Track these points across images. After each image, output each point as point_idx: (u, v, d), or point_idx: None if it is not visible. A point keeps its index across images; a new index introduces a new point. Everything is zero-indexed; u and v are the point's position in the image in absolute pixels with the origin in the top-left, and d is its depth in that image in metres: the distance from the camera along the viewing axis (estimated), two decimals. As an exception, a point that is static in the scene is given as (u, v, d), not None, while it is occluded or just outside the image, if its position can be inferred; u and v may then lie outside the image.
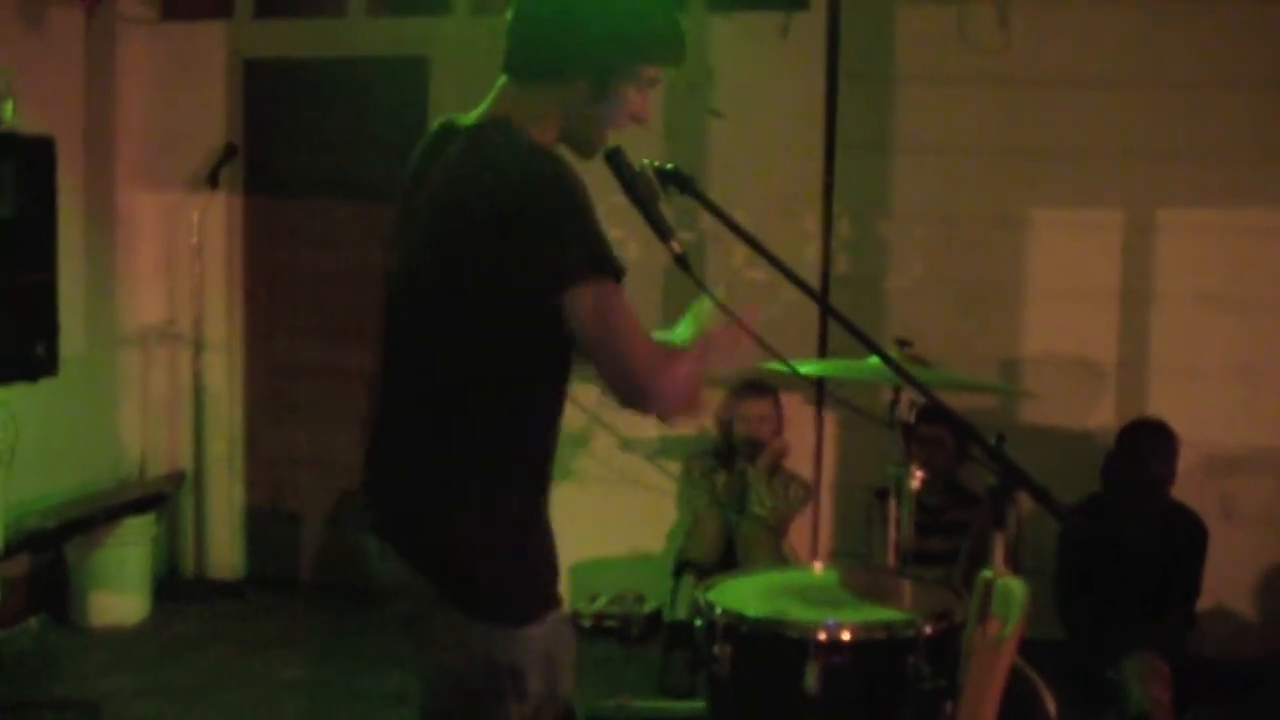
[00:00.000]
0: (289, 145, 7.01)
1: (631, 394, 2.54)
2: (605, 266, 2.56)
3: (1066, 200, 6.19)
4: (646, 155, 2.84)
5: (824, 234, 6.38)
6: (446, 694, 2.65)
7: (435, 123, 2.81)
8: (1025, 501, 2.87)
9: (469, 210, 2.56)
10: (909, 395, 3.79)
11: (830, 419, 6.40)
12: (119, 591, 6.45)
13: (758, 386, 6.17)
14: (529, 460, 2.68)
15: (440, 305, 2.61)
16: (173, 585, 6.97)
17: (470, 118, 2.73)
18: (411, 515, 2.66)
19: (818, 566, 3.85)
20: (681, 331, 2.83)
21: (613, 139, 2.78)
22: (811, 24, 6.30)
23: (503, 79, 2.74)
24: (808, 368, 4.03)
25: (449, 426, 2.61)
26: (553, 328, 2.54)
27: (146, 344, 7.09)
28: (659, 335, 2.79)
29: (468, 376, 2.59)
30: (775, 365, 3.14)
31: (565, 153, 2.73)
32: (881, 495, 5.46)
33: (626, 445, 6.57)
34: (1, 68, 5.61)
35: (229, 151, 6.93)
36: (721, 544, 5.95)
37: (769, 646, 3.14)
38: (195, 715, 5.45)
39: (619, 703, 4.71)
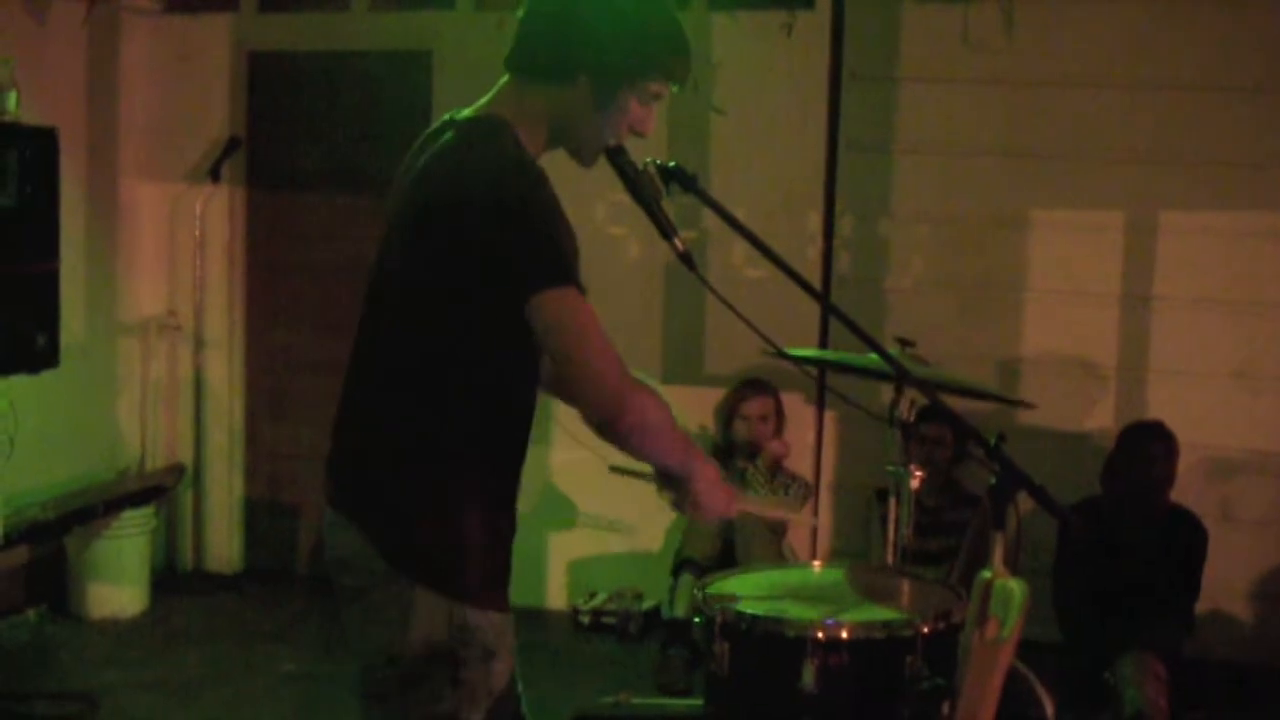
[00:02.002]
0: (292, 138, 7.02)
1: (602, 399, 2.55)
2: (563, 274, 2.53)
3: (1068, 201, 6.20)
4: (649, 153, 2.84)
5: (825, 233, 6.38)
6: (383, 674, 2.67)
7: (440, 118, 2.81)
8: (1025, 502, 2.87)
9: (433, 205, 2.59)
10: (909, 395, 3.79)
11: (830, 418, 6.41)
12: (118, 583, 6.46)
13: (758, 385, 6.17)
14: (489, 445, 2.67)
15: (402, 293, 2.63)
16: (171, 577, 6.99)
17: (465, 112, 2.73)
18: (367, 484, 2.68)
19: (817, 565, 3.84)
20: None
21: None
22: (816, 23, 6.30)
23: (505, 77, 2.74)
24: (808, 353, 4.04)
25: (409, 408, 2.64)
26: (508, 321, 2.54)
27: (147, 336, 7.09)
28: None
29: (426, 362, 2.62)
30: (782, 352, 3.14)
31: (551, 160, 2.73)
32: (881, 495, 5.47)
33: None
34: (5, 58, 5.61)
35: (231, 144, 6.94)
36: (720, 542, 5.95)
37: (767, 645, 3.13)
38: (193, 707, 5.45)
39: (616, 700, 4.70)
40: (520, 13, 2.73)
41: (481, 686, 2.65)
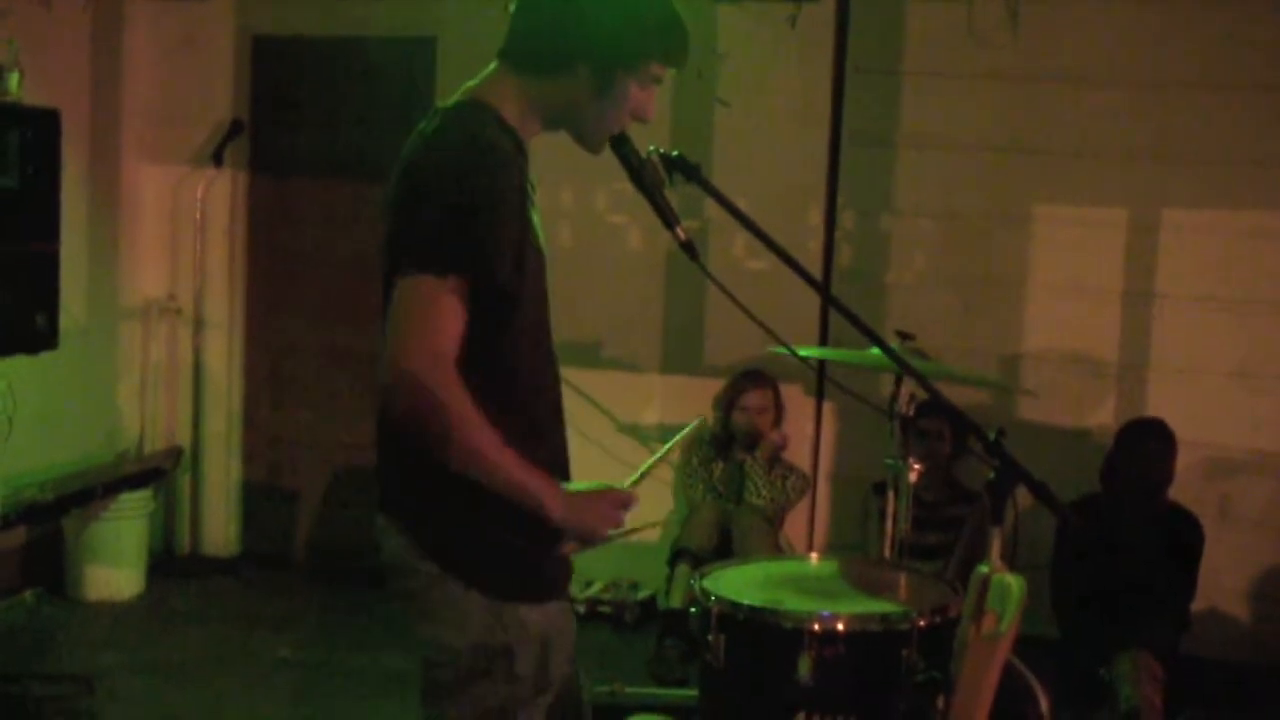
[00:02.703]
0: (295, 123, 7.01)
1: (384, 366, 2.45)
2: (451, 264, 2.46)
3: (1070, 198, 6.19)
4: (652, 143, 2.84)
5: (827, 226, 6.38)
6: (440, 671, 2.65)
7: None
8: (1023, 498, 2.87)
9: (399, 185, 2.57)
10: (908, 388, 3.79)
11: (829, 411, 6.40)
12: (115, 566, 6.46)
13: (757, 377, 6.17)
14: (509, 439, 2.54)
15: (387, 284, 2.58)
16: (168, 561, 6.99)
17: (456, 95, 2.71)
18: (406, 488, 2.66)
19: (814, 558, 3.85)
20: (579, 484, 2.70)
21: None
22: (821, 16, 6.29)
23: (494, 65, 2.72)
24: (811, 352, 4.04)
25: None
26: (484, 312, 2.51)
27: (147, 319, 7.09)
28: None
29: None
30: (780, 350, 3.14)
31: (555, 148, 2.69)
32: (879, 488, 5.47)
33: (626, 432, 6.57)
34: (8, 40, 5.61)
35: (234, 128, 6.93)
36: (717, 533, 5.95)
37: (763, 636, 3.14)
38: (188, 691, 5.45)
39: (612, 689, 4.71)
40: (512, 6, 2.71)
41: (541, 679, 2.64)
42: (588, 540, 2.63)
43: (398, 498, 2.68)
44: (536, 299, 2.67)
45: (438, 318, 2.45)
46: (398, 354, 2.45)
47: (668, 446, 2.97)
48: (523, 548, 2.60)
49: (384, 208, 2.63)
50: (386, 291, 2.57)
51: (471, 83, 2.71)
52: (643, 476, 2.85)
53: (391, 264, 2.52)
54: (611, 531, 2.65)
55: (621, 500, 2.68)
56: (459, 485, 2.51)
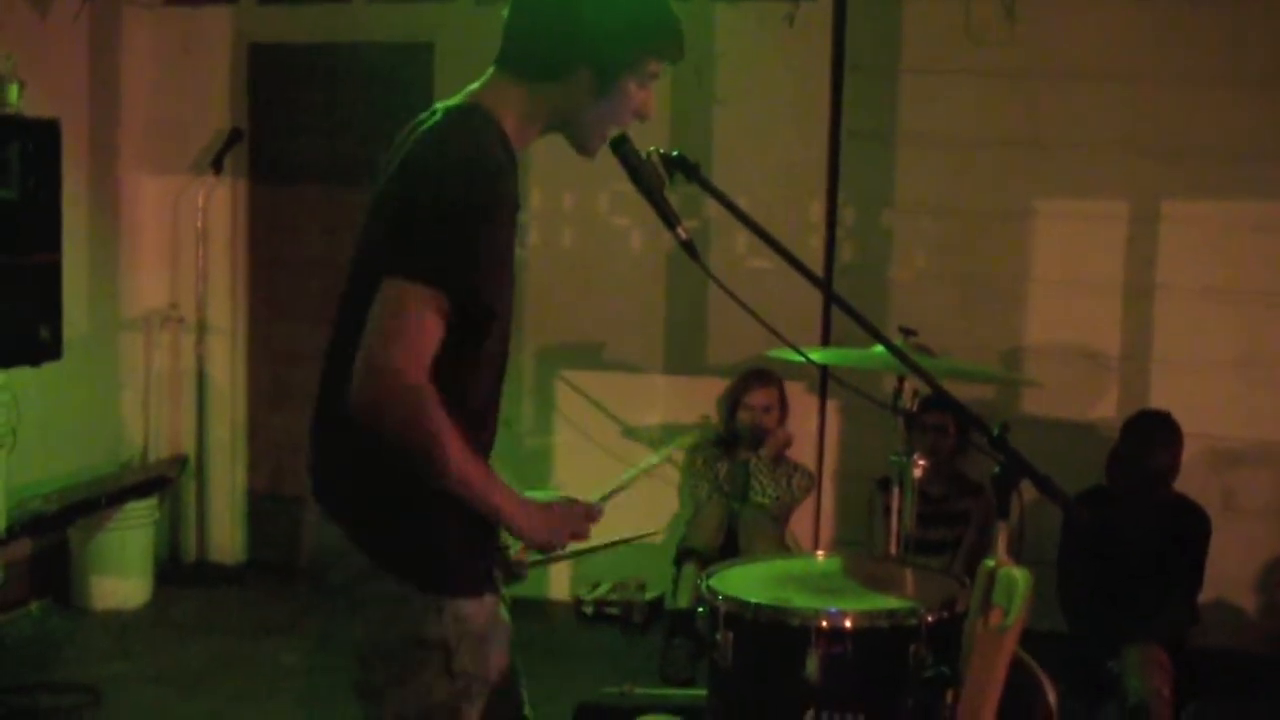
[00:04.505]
0: (294, 130, 7.02)
1: (365, 365, 2.42)
2: (440, 279, 2.45)
3: (1070, 192, 6.19)
4: (652, 143, 2.84)
5: (828, 224, 6.38)
6: (375, 666, 2.64)
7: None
8: (1028, 491, 2.87)
9: (391, 189, 2.57)
10: (912, 384, 3.79)
11: (833, 408, 6.41)
12: (120, 575, 6.46)
13: (762, 376, 6.17)
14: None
15: (360, 277, 2.58)
16: (174, 570, 6.99)
17: (454, 100, 2.70)
18: (344, 483, 2.65)
19: (820, 555, 3.85)
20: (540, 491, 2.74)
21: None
22: (818, 13, 6.30)
23: (491, 70, 2.71)
24: (814, 354, 4.03)
25: None
26: (460, 324, 2.50)
27: (150, 328, 7.10)
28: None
29: None
30: (783, 352, 3.14)
31: (554, 150, 2.69)
32: (884, 484, 5.47)
33: (629, 433, 6.58)
34: (7, 51, 5.61)
35: (234, 136, 6.93)
36: (723, 532, 5.95)
37: (771, 634, 3.14)
38: (195, 700, 5.46)
39: (620, 690, 4.71)
40: (506, 11, 2.70)
41: (477, 676, 2.63)
42: (546, 549, 2.69)
43: (330, 490, 2.68)
44: (503, 332, 2.66)
45: (422, 329, 2.45)
46: (382, 356, 2.43)
47: (640, 468, 3.00)
48: (458, 538, 2.60)
49: (376, 198, 2.63)
50: (360, 279, 2.56)
51: (474, 85, 2.71)
52: (613, 494, 2.88)
53: (381, 260, 2.50)
54: (583, 545, 2.71)
55: (586, 514, 2.74)
56: (394, 480, 2.52)
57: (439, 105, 2.69)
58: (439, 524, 2.58)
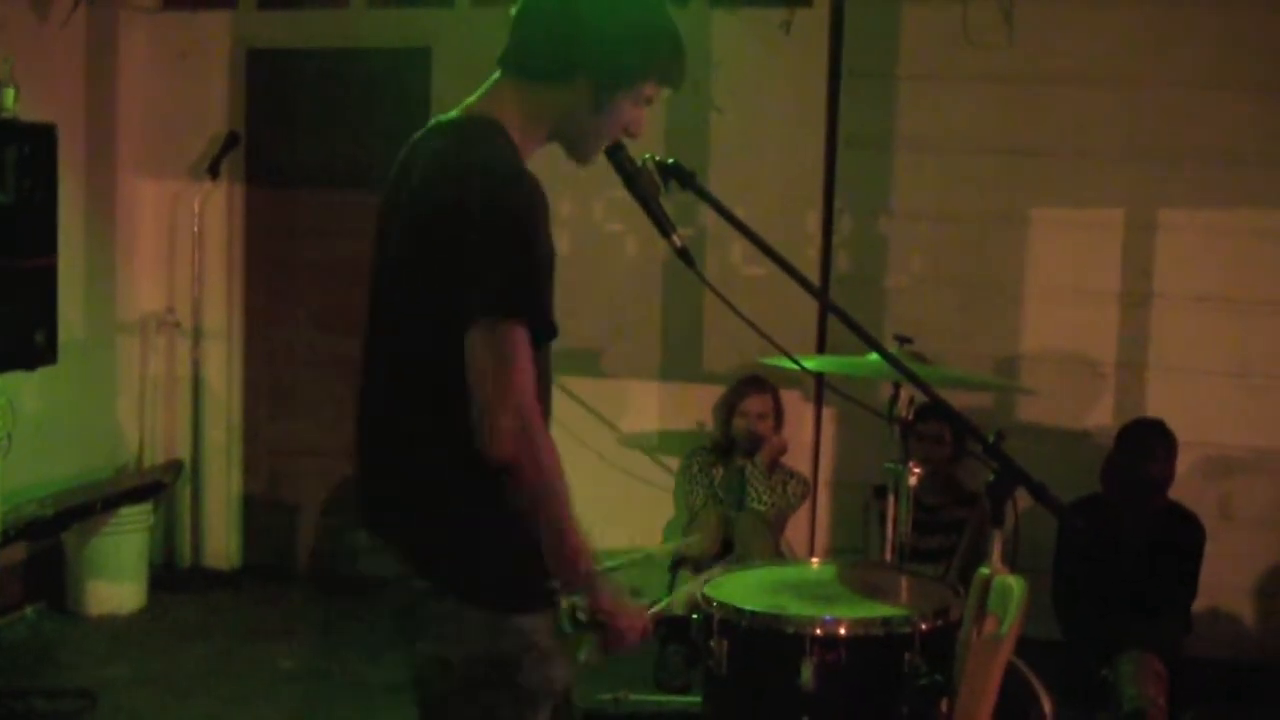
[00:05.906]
0: (291, 135, 7.01)
1: (491, 430, 2.44)
2: (518, 307, 2.48)
3: (1067, 199, 6.19)
4: (647, 150, 2.84)
5: (824, 231, 6.38)
6: (441, 684, 2.64)
7: (429, 122, 2.78)
8: (1023, 499, 2.87)
9: (436, 209, 2.54)
10: (908, 392, 3.80)
11: (829, 416, 6.40)
12: (116, 580, 6.45)
13: (758, 382, 6.17)
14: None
15: (412, 298, 2.58)
16: (169, 574, 6.98)
17: (453, 114, 2.69)
18: (400, 508, 2.66)
19: (815, 562, 3.85)
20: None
21: None
22: (814, 20, 6.30)
23: (496, 74, 2.71)
24: (809, 362, 4.03)
25: (425, 418, 2.59)
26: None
27: (145, 332, 7.09)
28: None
29: (435, 369, 2.54)
30: (777, 360, 3.14)
31: (548, 156, 2.69)
32: (879, 492, 5.46)
33: (625, 440, 6.57)
34: (4, 55, 5.61)
35: (230, 140, 6.93)
36: (719, 540, 5.95)
37: (766, 641, 3.14)
38: (191, 704, 5.45)
39: (615, 697, 4.71)
40: (514, 10, 2.70)
41: (542, 690, 2.63)
42: (614, 642, 2.65)
43: (386, 515, 2.69)
44: (549, 347, 2.66)
45: (528, 368, 2.47)
46: (511, 416, 2.44)
47: (647, 551, 2.98)
48: (517, 555, 2.59)
49: (409, 219, 2.60)
50: (404, 297, 2.58)
51: (470, 99, 2.70)
52: (619, 568, 2.90)
53: (456, 294, 2.48)
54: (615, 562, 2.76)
55: (645, 618, 2.72)
56: (458, 501, 2.54)
57: (441, 118, 2.69)
58: (502, 541, 2.57)
